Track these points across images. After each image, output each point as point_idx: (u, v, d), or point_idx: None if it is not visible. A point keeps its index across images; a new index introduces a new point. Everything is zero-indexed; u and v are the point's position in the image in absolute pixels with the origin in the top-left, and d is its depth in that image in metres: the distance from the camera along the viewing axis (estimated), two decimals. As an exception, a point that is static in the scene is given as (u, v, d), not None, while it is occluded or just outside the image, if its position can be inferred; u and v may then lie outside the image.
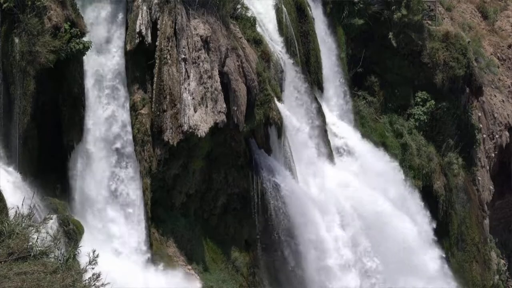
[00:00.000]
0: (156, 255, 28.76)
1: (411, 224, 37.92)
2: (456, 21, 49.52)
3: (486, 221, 46.97)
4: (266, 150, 32.79)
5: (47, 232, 13.87)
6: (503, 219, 51.99)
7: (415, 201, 40.28)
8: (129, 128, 28.10)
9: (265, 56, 33.38)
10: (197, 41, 29.40)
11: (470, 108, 45.52)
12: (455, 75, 43.06)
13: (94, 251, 12.69)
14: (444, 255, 40.21)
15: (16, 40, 24.72)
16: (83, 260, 13.71)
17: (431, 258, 39.05)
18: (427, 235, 39.59)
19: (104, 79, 28.07)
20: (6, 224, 13.45)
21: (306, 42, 37.38)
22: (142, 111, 28.68)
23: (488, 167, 48.14)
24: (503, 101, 50.50)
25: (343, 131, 38.75)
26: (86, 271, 12.57)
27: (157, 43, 28.76)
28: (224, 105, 29.67)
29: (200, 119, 28.93)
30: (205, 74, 29.39)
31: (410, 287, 36.52)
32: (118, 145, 28.08)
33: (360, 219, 35.53)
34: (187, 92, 28.87)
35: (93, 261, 12.47)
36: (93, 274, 12.42)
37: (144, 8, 28.57)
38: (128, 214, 28.26)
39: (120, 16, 28.52)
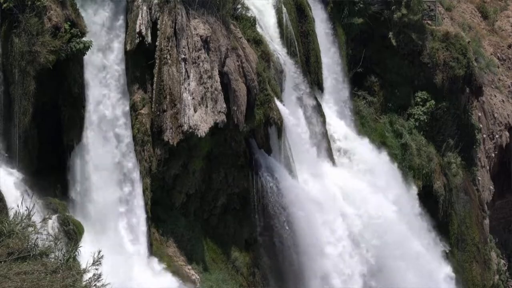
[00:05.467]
0: (156, 255, 28.75)
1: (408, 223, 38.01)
2: (456, 21, 49.54)
3: (486, 221, 46.97)
4: (266, 150, 32.78)
5: (48, 232, 13.85)
6: (503, 219, 52.01)
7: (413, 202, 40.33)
8: None
9: (265, 56, 33.38)
10: (197, 41, 29.39)
11: (470, 108, 45.53)
12: (455, 75, 43.08)
13: (99, 252, 12.65)
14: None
15: (16, 40, 24.69)
16: (83, 260, 13.68)
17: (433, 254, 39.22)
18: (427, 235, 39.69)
19: None
20: (6, 223, 13.43)
21: (306, 42, 37.38)
22: (142, 111, 28.67)
23: (488, 167, 48.15)
24: (503, 101, 50.53)
25: (343, 131, 38.73)
26: (88, 271, 12.52)
27: (157, 43, 28.74)
28: (224, 105, 29.65)
29: (200, 119, 28.92)
30: (205, 74, 29.37)
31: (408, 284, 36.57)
32: None
33: (360, 219, 35.52)
34: (187, 92, 28.86)
35: (97, 262, 12.43)
36: (94, 275, 12.39)
37: (144, 8, 28.55)
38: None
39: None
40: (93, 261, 12.19)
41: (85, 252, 14.50)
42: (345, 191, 35.96)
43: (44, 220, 13.62)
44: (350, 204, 35.66)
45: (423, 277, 37.85)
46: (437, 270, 39.32)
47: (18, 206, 14.30)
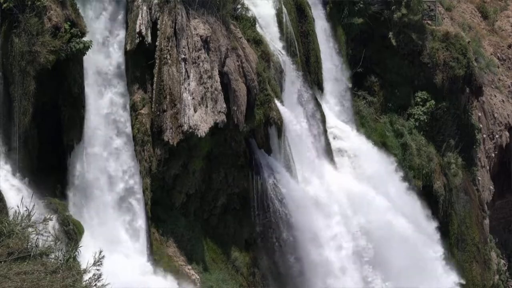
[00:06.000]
0: (156, 255, 28.75)
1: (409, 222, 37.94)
2: (456, 21, 49.53)
3: (486, 221, 46.97)
4: (266, 150, 32.78)
5: (49, 232, 13.83)
6: (503, 219, 52.01)
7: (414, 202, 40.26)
8: None
9: (265, 56, 33.38)
10: (197, 41, 29.39)
11: (470, 108, 45.53)
12: (455, 75, 43.07)
13: (100, 252, 12.63)
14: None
15: (16, 40, 24.69)
16: (83, 260, 13.68)
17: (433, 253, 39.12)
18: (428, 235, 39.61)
19: None
20: (6, 224, 13.41)
21: (306, 42, 37.39)
22: (142, 111, 28.67)
23: (488, 167, 48.15)
24: (503, 101, 50.53)
25: (343, 131, 38.72)
26: (89, 271, 12.51)
27: (157, 43, 28.74)
28: (224, 105, 29.65)
29: (200, 119, 28.91)
30: (205, 74, 29.37)
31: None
32: None
33: (360, 219, 35.51)
34: (187, 92, 28.86)
35: (98, 262, 12.42)
36: (94, 274, 12.37)
37: (144, 8, 28.55)
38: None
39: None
40: (94, 261, 12.18)
41: (86, 252, 14.49)
42: (344, 190, 35.95)
43: (45, 221, 13.60)
44: (350, 203, 35.63)
45: None
46: None
47: (18, 206, 14.29)
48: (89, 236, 26.01)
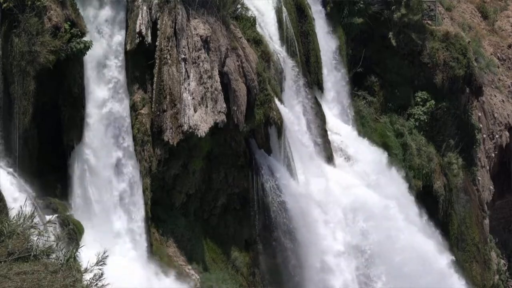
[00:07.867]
0: (156, 255, 28.74)
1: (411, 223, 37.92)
2: (456, 21, 49.56)
3: (486, 221, 46.98)
4: (266, 150, 32.77)
5: (50, 232, 13.84)
6: (503, 219, 52.03)
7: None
8: None
9: (265, 56, 33.37)
10: (197, 41, 29.38)
11: (470, 108, 45.55)
12: (455, 75, 43.09)
13: (104, 252, 12.63)
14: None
15: (16, 40, 24.67)
16: (83, 260, 13.66)
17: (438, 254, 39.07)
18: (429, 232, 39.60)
19: None
20: (6, 224, 13.41)
21: (306, 42, 37.39)
22: (142, 111, 28.66)
23: (488, 167, 48.17)
24: (503, 101, 50.55)
25: (343, 131, 38.72)
26: (91, 271, 12.50)
27: (157, 43, 28.73)
28: (224, 105, 29.65)
29: (200, 119, 28.91)
30: (205, 74, 29.37)
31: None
32: None
33: (360, 219, 35.50)
34: (187, 92, 28.86)
35: (101, 262, 12.41)
36: (95, 274, 12.36)
37: (144, 8, 28.53)
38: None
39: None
40: (97, 260, 12.17)
41: (86, 252, 14.49)
42: (344, 191, 35.94)
43: (49, 223, 13.60)
44: (350, 204, 35.62)
45: None
46: None
47: (21, 207, 14.29)
48: (88, 236, 26.01)
